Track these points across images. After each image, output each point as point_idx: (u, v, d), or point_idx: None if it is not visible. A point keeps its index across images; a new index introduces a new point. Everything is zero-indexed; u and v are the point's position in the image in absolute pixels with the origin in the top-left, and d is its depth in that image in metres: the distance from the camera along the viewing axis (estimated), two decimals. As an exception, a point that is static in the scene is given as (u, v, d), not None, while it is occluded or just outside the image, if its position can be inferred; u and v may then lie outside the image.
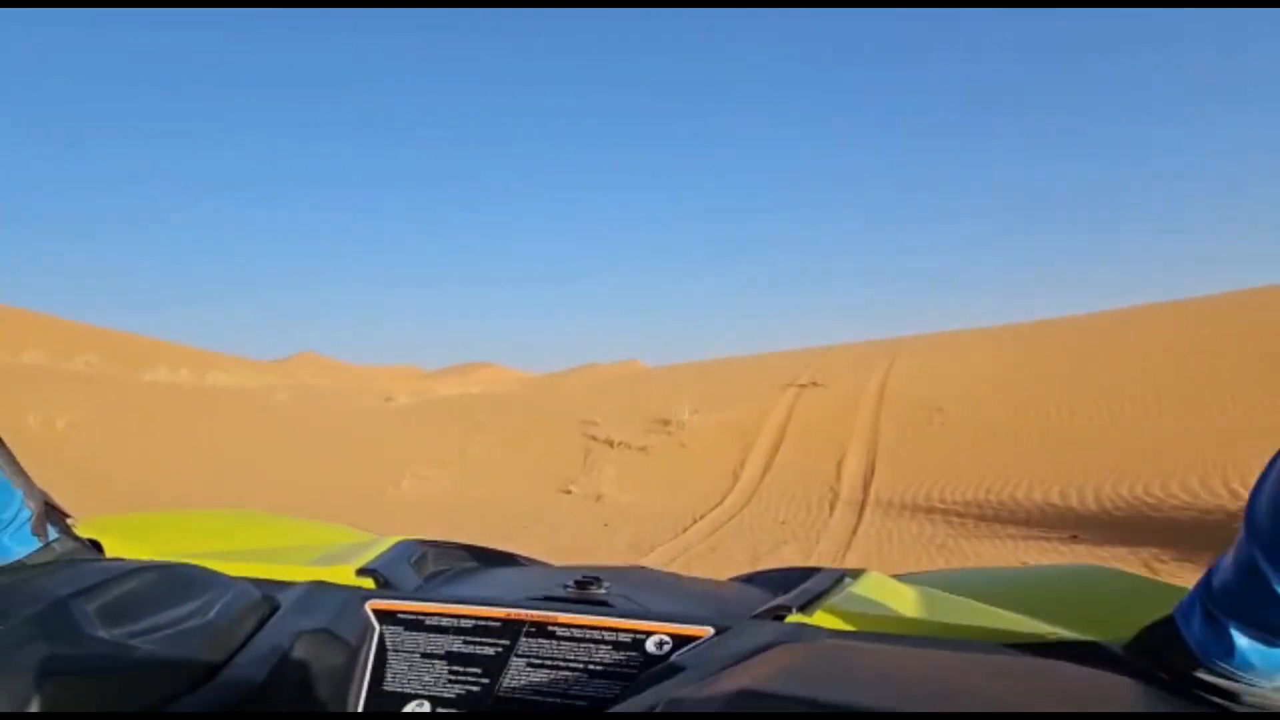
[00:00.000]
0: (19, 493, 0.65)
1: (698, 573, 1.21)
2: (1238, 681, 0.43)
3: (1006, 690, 0.42)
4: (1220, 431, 7.09)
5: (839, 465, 8.24)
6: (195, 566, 0.65)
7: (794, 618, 0.63)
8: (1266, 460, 0.42)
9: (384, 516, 7.03)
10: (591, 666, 0.59)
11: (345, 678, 0.61)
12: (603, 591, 0.70)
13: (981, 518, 6.09)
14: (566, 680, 0.59)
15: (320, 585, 0.70)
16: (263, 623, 0.63)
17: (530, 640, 0.62)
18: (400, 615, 0.65)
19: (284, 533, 1.05)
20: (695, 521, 6.65)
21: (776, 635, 0.58)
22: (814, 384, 11.56)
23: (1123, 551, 4.74)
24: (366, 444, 11.27)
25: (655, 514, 7.05)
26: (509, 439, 11.06)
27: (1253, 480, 0.43)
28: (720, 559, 5.30)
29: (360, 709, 0.60)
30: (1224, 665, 0.43)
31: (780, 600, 0.66)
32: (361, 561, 0.76)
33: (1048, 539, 5.29)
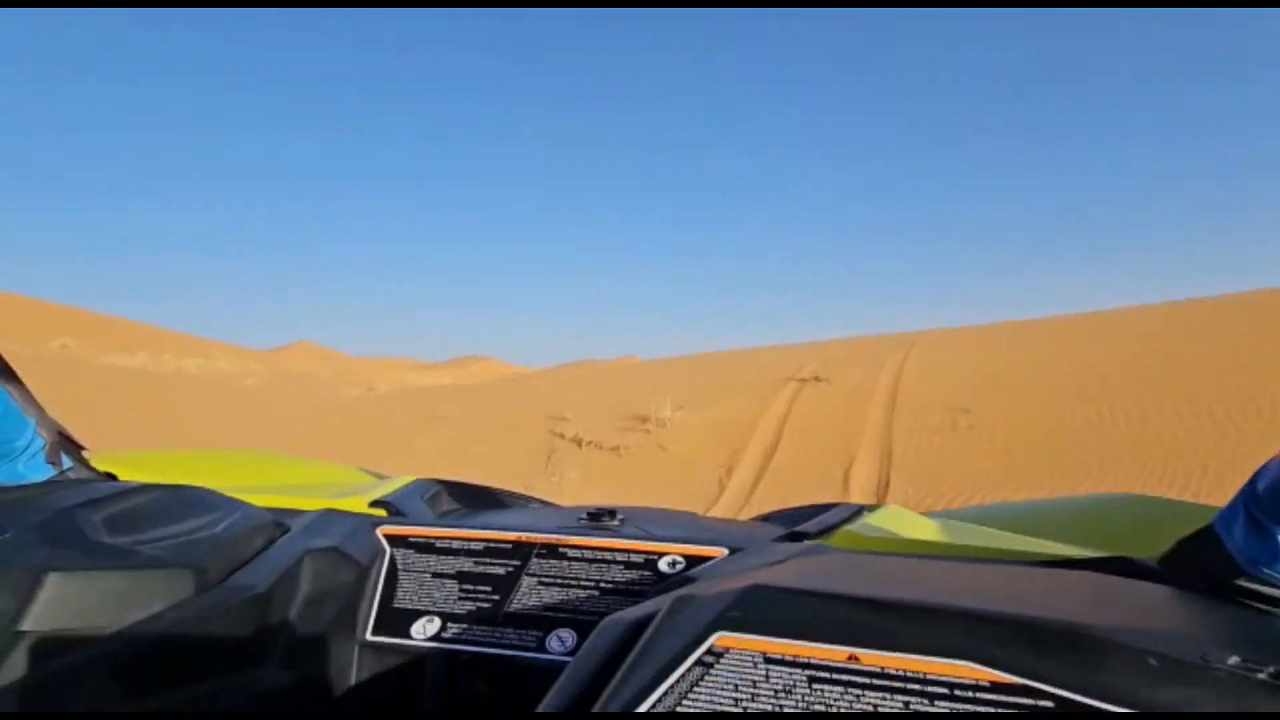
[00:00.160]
0: (32, 422, 0.66)
1: None
2: None
3: (1030, 592, 0.42)
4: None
5: (846, 474, 6.85)
6: (205, 489, 0.65)
7: (812, 542, 0.63)
8: None
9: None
10: (603, 584, 0.59)
11: (355, 594, 0.62)
12: (615, 522, 0.70)
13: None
14: (578, 597, 0.59)
15: (331, 511, 0.71)
16: (272, 541, 0.63)
17: (541, 560, 0.62)
18: (411, 539, 0.66)
19: (301, 471, 1.08)
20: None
21: (792, 553, 0.57)
22: (816, 379, 10.13)
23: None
24: (317, 434, 10.27)
25: (616, 532, 5.66)
26: (464, 434, 9.73)
27: None
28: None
29: (370, 625, 0.61)
30: (1269, 571, 0.43)
31: (797, 528, 0.67)
32: (375, 495, 0.78)
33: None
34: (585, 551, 0.62)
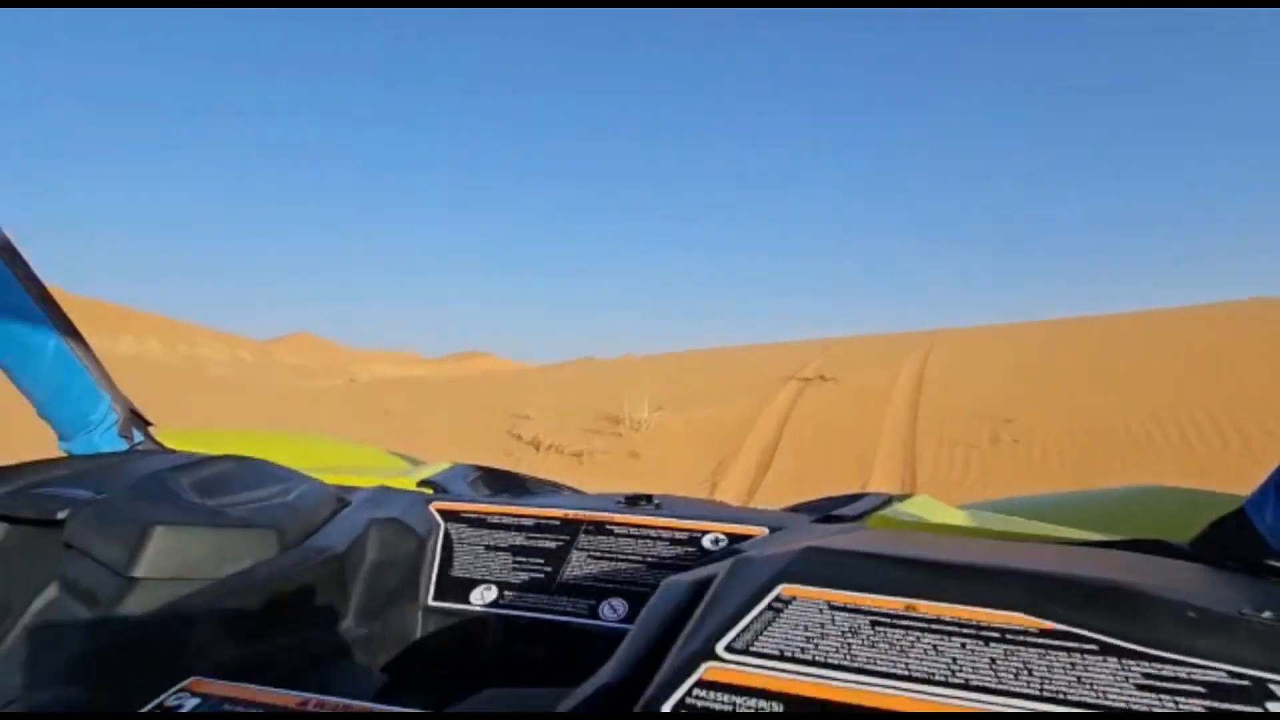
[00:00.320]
0: (107, 397, 0.74)
1: None
2: None
3: (1072, 561, 0.44)
4: None
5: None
6: (271, 462, 0.70)
7: (848, 525, 0.66)
8: None
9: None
10: (650, 559, 0.62)
11: (415, 562, 0.65)
12: (654, 505, 0.72)
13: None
14: (627, 570, 0.62)
15: (386, 488, 0.77)
16: (336, 512, 0.67)
17: (589, 536, 0.65)
18: (463, 515, 0.70)
19: (343, 453, 1.16)
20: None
21: (833, 532, 0.59)
22: (822, 378, 8.71)
23: None
24: (251, 424, 8.82)
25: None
26: (409, 432, 8.34)
27: None
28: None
29: (431, 591, 0.64)
30: None
31: (835, 512, 0.69)
32: (421, 475, 0.85)
33: None
34: (631, 529, 0.65)
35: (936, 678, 0.33)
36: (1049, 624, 0.35)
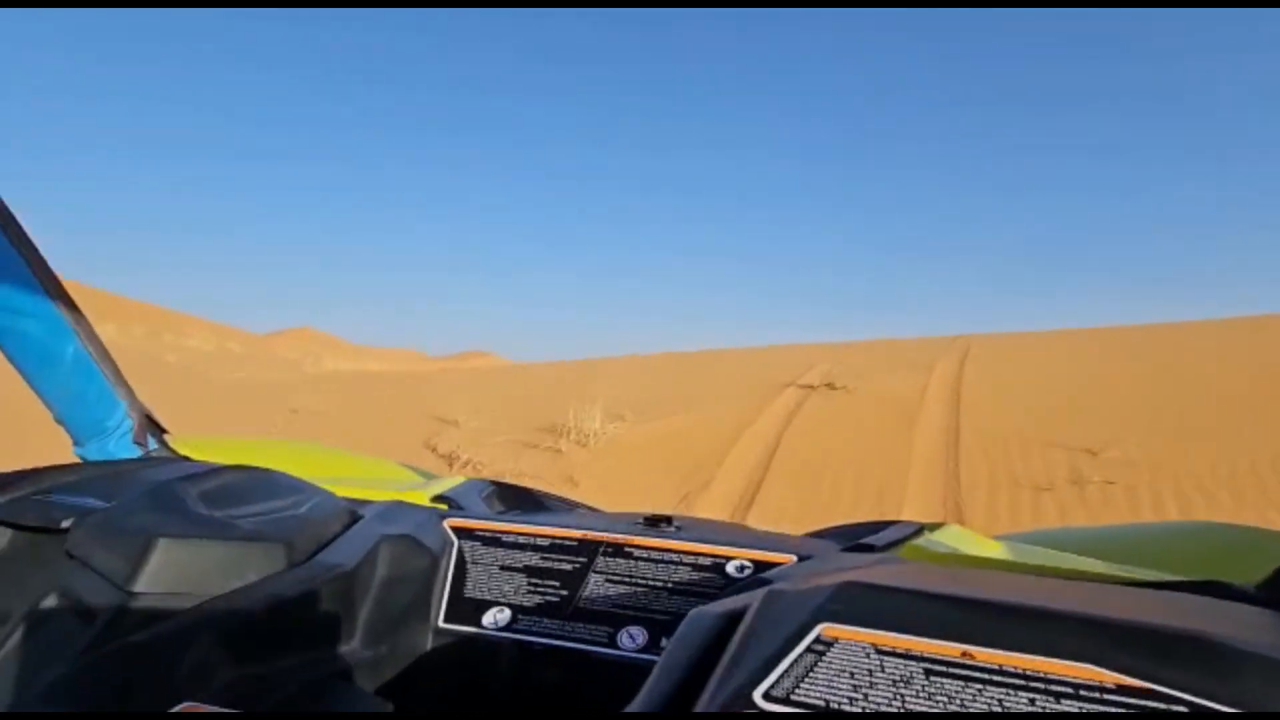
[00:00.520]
0: (123, 404, 0.73)
1: None
2: None
3: (1137, 605, 0.40)
4: None
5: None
6: (284, 473, 0.67)
7: (879, 554, 0.60)
8: None
9: None
10: (671, 585, 0.59)
11: (427, 582, 0.62)
12: (673, 528, 0.68)
13: None
14: (647, 596, 0.58)
15: (399, 503, 0.72)
16: (348, 527, 0.64)
17: (607, 559, 0.62)
18: (477, 533, 0.66)
19: (355, 464, 1.12)
20: None
21: (865, 562, 0.53)
22: (830, 386, 6.91)
23: None
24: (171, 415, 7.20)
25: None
26: (304, 438, 6.62)
27: None
28: None
29: (442, 613, 0.61)
30: None
31: (864, 540, 0.64)
32: (436, 490, 0.81)
33: None
34: (651, 552, 0.61)
35: None
36: (1125, 679, 0.31)
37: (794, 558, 0.57)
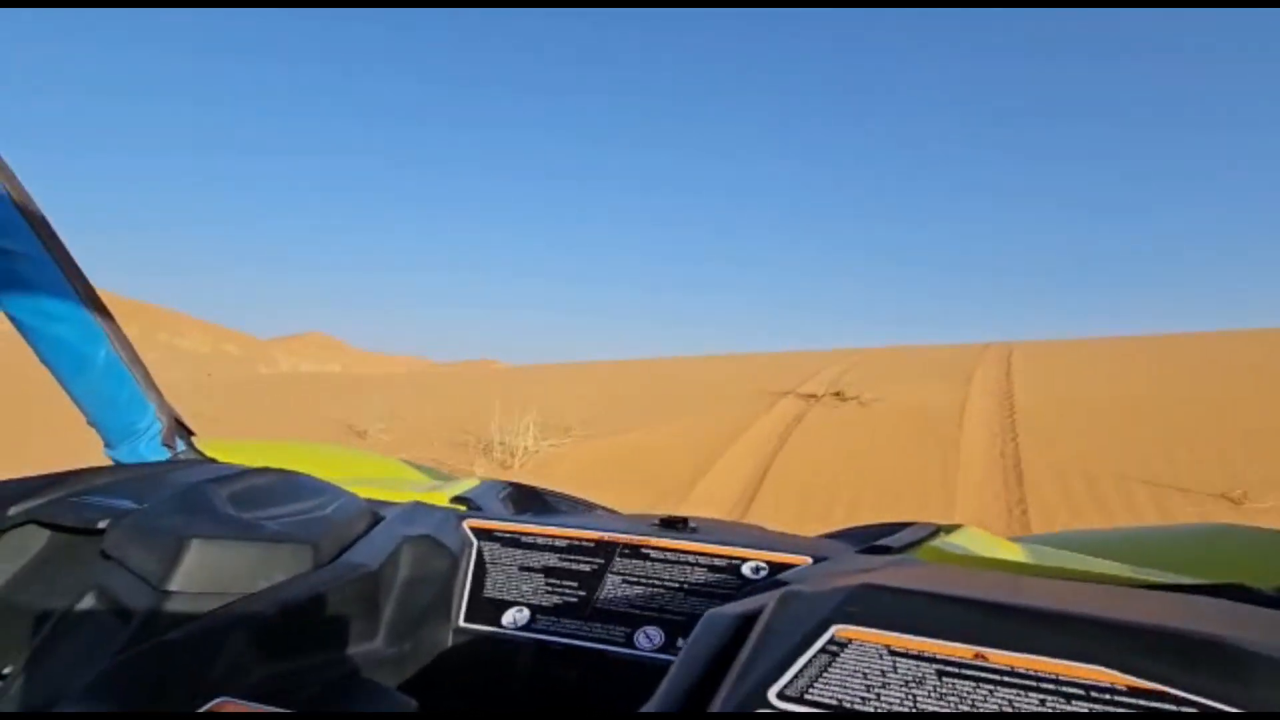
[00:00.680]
0: (153, 407, 0.75)
1: None
2: None
3: (1154, 608, 0.39)
4: None
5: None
6: (309, 475, 0.69)
7: (896, 555, 0.62)
8: None
9: None
10: (687, 586, 0.60)
11: (448, 582, 0.64)
12: (690, 530, 0.69)
13: None
14: (663, 597, 0.60)
15: (420, 504, 0.74)
16: (371, 528, 0.65)
17: (625, 560, 0.63)
18: (496, 534, 0.68)
19: (371, 465, 1.15)
20: None
21: (881, 564, 0.55)
22: (839, 395, 5.50)
23: None
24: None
25: None
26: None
27: None
28: None
29: (463, 612, 0.63)
30: None
31: (880, 542, 0.65)
32: (454, 491, 0.82)
33: None
34: (668, 554, 0.62)
35: None
36: (1138, 681, 0.32)
37: (809, 559, 0.58)
